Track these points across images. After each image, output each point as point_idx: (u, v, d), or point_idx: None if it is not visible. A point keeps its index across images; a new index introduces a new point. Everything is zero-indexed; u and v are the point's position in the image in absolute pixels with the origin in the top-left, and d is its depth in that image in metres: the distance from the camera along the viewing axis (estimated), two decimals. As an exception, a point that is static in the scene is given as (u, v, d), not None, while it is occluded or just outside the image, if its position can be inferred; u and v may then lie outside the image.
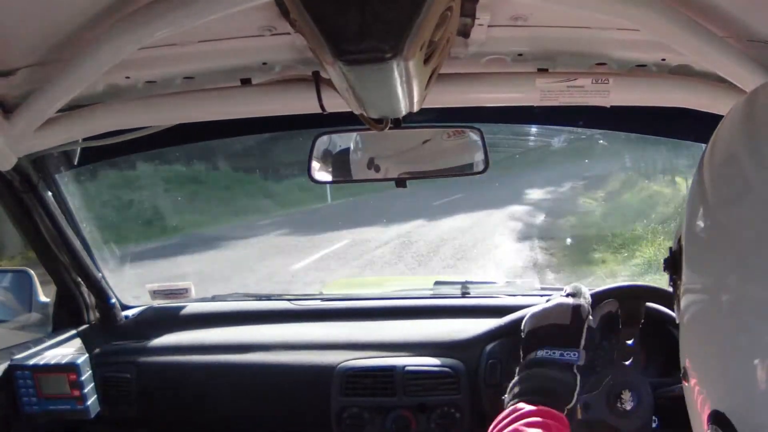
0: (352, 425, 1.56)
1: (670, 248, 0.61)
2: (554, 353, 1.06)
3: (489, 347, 1.55)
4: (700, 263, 0.53)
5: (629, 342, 1.55)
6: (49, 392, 1.60)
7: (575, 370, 1.05)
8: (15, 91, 1.15)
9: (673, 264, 0.59)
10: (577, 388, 1.03)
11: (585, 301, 1.13)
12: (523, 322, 1.14)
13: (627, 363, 1.37)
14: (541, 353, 1.06)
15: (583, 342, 1.07)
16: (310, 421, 1.62)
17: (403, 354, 1.61)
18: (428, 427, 1.55)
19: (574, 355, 1.06)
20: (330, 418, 1.57)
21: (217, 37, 1.10)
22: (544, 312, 1.12)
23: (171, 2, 0.90)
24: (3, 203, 1.52)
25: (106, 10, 0.94)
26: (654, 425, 1.32)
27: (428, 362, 1.58)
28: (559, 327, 1.09)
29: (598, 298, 1.27)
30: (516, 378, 1.06)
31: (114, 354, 1.71)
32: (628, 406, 1.30)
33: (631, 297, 1.34)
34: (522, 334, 1.13)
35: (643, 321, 1.35)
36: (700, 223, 0.53)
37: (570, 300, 1.12)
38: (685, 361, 0.55)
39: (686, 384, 0.56)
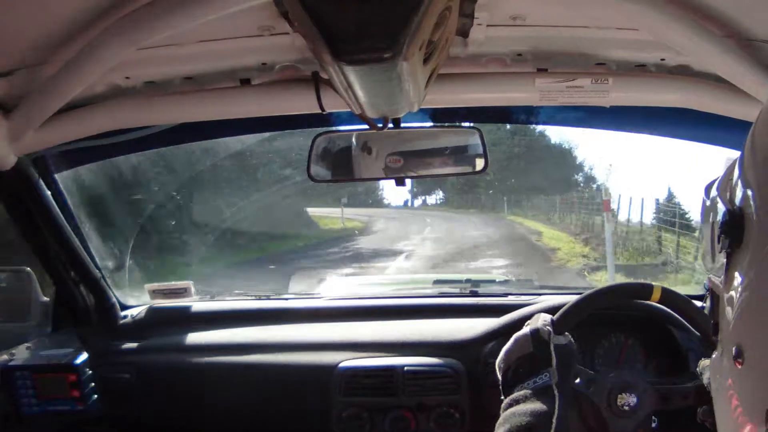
0: (352, 425, 1.56)
1: (728, 210, 0.50)
2: (527, 385, 1.09)
3: (488, 347, 1.55)
4: None
5: (629, 341, 1.55)
6: (48, 393, 1.59)
7: (554, 389, 1.06)
8: (14, 90, 1.15)
9: (735, 228, 0.49)
10: (557, 409, 1.04)
11: (543, 323, 1.13)
12: (496, 365, 1.16)
13: (627, 362, 1.37)
14: (515, 392, 1.10)
15: (554, 361, 1.08)
16: (310, 421, 1.61)
17: (402, 354, 1.60)
18: (428, 426, 1.54)
19: (546, 377, 1.09)
20: (330, 417, 1.57)
21: (215, 38, 1.11)
22: (507, 350, 1.15)
23: (169, 2, 0.90)
24: (3, 202, 1.52)
25: (104, 10, 0.94)
26: (653, 425, 1.32)
27: (428, 362, 1.58)
28: (524, 357, 1.12)
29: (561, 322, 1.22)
30: (498, 424, 1.08)
31: (113, 354, 1.70)
32: (628, 407, 1.30)
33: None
34: (499, 375, 1.15)
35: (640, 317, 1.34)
36: None
37: (526, 329, 1.14)
38: (742, 343, 0.47)
39: (738, 367, 0.48)
